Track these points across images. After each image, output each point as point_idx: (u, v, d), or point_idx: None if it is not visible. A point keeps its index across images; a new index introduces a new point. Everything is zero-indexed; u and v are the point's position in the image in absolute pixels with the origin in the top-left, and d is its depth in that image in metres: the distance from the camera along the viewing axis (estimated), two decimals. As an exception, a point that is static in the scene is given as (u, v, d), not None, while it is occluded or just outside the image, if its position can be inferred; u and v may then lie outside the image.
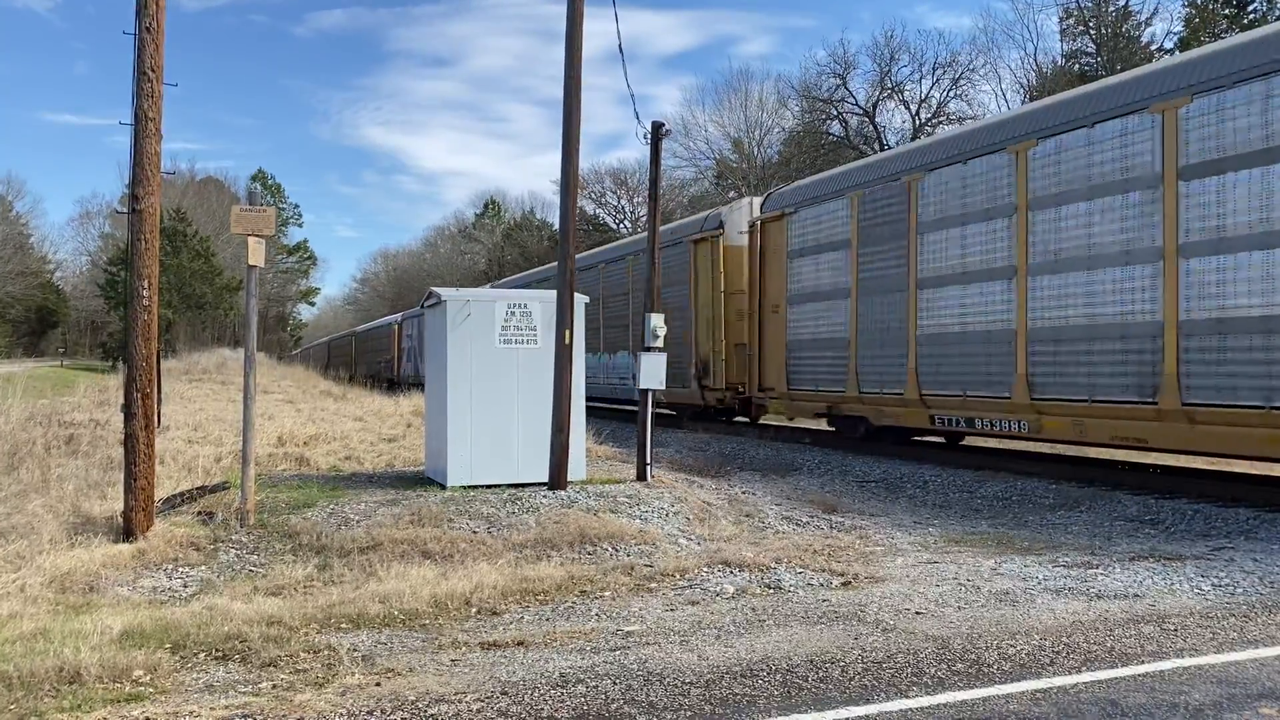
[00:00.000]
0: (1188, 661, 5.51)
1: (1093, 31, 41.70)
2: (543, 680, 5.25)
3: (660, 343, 12.29)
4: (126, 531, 8.62)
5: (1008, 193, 12.86)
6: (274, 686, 5.18)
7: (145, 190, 8.77)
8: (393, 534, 8.80)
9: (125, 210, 9.07)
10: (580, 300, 11.39)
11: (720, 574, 7.78)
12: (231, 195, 78.46)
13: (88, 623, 6.10)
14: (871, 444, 16.87)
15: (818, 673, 5.35)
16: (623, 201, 62.20)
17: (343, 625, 6.37)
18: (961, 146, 13.96)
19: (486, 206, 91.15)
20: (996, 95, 45.38)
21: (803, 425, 21.79)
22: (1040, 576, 7.66)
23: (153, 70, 8.76)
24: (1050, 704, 4.84)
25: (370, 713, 4.78)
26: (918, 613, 6.60)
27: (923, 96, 45.82)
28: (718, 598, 7.13)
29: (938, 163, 14.23)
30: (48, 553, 7.90)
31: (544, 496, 10.31)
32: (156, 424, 9.57)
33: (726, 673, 5.36)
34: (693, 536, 9.34)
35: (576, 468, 11.23)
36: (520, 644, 5.93)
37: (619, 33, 13.90)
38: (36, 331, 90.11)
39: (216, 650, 5.78)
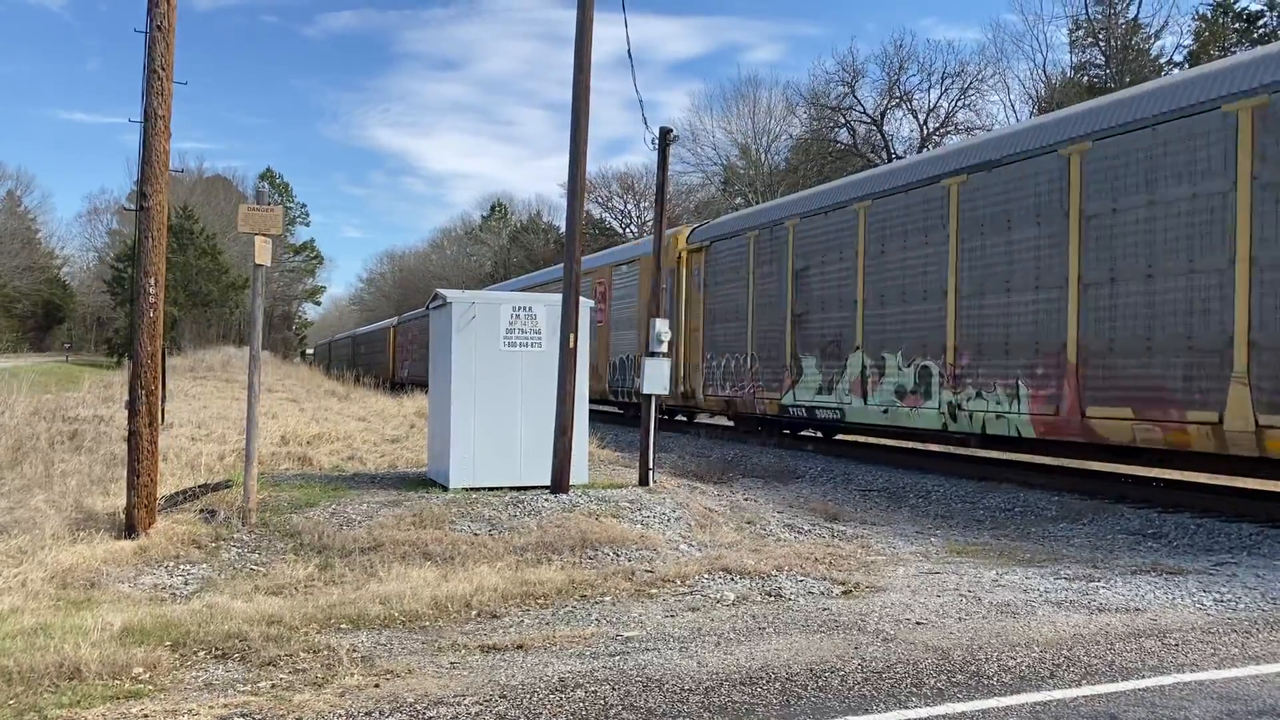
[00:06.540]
0: (1188, 677, 5.48)
1: (1102, 44, 41.70)
2: (541, 684, 5.25)
3: (665, 348, 12.29)
4: (129, 528, 8.63)
5: None
6: (273, 686, 5.19)
7: (153, 188, 8.79)
8: (394, 535, 8.81)
9: (133, 207, 9.12)
10: (585, 304, 11.39)
11: (721, 580, 7.77)
12: (239, 194, 78.71)
13: (88, 619, 6.10)
14: (875, 452, 16.84)
15: (817, 681, 5.34)
16: (629, 206, 62.31)
17: (343, 625, 6.37)
18: None
19: (493, 209, 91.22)
20: (1005, 106, 45.43)
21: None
22: (1042, 588, 7.64)
23: (163, 68, 8.78)
24: (1050, 717, 4.82)
25: (369, 714, 4.78)
26: (918, 623, 6.59)
27: (931, 106, 45.88)
28: (718, 604, 7.12)
29: None
30: (50, 548, 7.91)
31: (546, 500, 10.31)
32: (160, 421, 9.59)
33: (726, 680, 5.35)
34: (694, 542, 9.33)
35: (579, 471, 11.23)
36: (520, 647, 5.92)
37: (628, 39, 13.94)
38: (42, 326, 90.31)
39: (216, 648, 5.78)
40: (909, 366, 14.30)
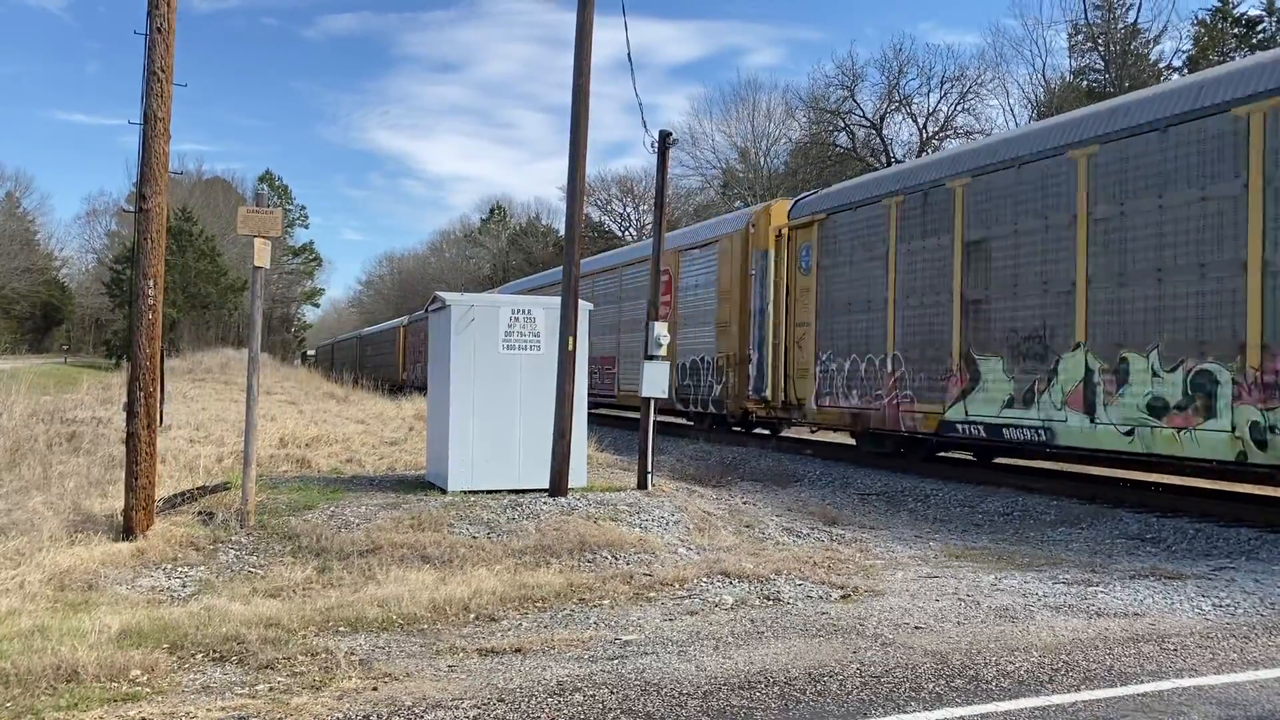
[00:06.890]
0: (1187, 682, 5.48)
1: (1101, 49, 41.75)
2: (540, 688, 5.24)
3: (664, 351, 12.28)
4: (126, 530, 8.63)
5: None
6: (271, 689, 5.18)
7: (153, 189, 8.79)
8: (392, 538, 8.80)
9: (132, 209, 9.12)
10: (584, 307, 11.39)
11: (719, 584, 7.76)
12: (238, 196, 78.73)
13: (86, 621, 6.10)
14: (873, 457, 16.77)
15: (815, 686, 5.33)
16: (628, 209, 62.40)
17: (341, 628, 6.36)
18: None
19: (492, 211, 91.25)
20: (1004, 110, 45.45)
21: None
22: (1040, 593, 7.64)
23: (163, 70, 8.79)
24: (1048, 722, 4.82)
25: (366, 717, 4.78)
26: (917, 627, 6.58)
27: (930, 110, 45.87)
28: (716, 608, 7.12)
29: None
30: (47, 550, 7.91)
31: (544, 503, 10.29)
32: (159, 423, 9.58)
33: (724, 684, 5.34)
34: (692, 546, 9.32)
35: (577, 474, 11.22)
36: (518, 651, 5.92)
37: (628, 42, 13.87)
38: (41, 328, 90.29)
39: (214, 651, 5.78)
40: (1172, 371, 10.45)
